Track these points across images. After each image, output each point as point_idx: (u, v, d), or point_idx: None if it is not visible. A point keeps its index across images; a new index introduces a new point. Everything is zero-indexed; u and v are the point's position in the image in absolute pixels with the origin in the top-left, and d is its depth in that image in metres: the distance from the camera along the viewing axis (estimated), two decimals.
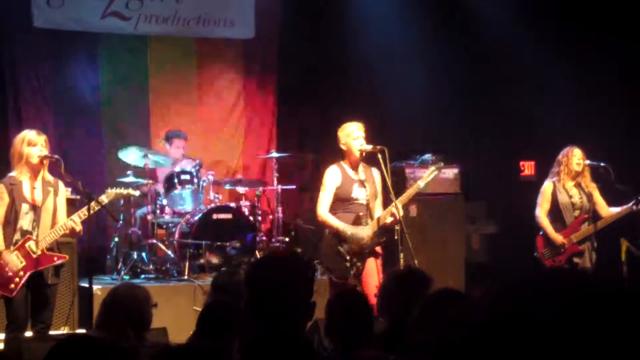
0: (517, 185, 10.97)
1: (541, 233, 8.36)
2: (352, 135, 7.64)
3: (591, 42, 10.41)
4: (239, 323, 4.51)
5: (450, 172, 10.23)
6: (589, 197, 8.28)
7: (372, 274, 7.46)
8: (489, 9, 10.94)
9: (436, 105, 11.18)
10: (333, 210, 7.56)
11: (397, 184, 8.68)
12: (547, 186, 8.37)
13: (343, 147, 7.69)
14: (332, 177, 7.60)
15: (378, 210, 7.62)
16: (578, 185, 8.31)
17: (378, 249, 7.59)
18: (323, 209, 7.56)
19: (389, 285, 4.74)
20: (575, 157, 8.27)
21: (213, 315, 4.73)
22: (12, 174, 6.74)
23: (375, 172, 7.72)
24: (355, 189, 7.59)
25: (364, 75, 11.49)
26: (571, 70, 10.40)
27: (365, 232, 7.47)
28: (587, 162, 8.38)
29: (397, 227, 7.68)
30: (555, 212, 8.29)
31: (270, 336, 3.17)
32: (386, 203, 7.74)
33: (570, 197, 8.26)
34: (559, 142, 8.64)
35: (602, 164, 8.33)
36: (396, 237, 7.72)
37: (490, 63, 11.16)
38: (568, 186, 8.30)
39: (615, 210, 8.27)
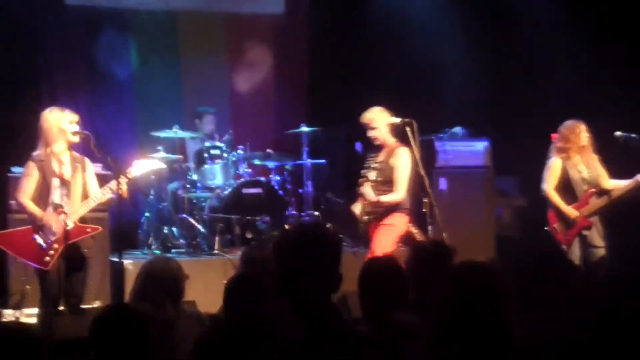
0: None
1: (552, 207, 8.29)
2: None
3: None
4: (263, 296, 4.55)
5: (480, 145, 10.19)
6: (595, 170, 8.23)
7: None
8: None
9: (466, 79, 11.11)
10: None
11: (426, 157, 8.65)
12: (555, 162, 8.27)
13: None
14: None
15: None
16: (587, 159, 8.25)
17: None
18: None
19: (413, 258, 4.76)
20: (583, 133, 8.22)
21: (238, 289, 4.77)
22: (38, 151, 6.84)
23: None
24: None
25: (394, 50, 11.44)
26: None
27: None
28: (619, 133, 8.32)
29: (425, 200, 7.71)
30: (566, 188, 8.23)
31: (298, 308, 3.21)
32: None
33: (580, 172, 8.21)
34: (588, 115, 8.56)
35: (633, 135, 8.27)
36: (424, 210, 7.74)
37: (523, 35, 11.08)
38: (576, 160, 8.23)
39: (619, 183, 8.20)
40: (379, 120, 7.71)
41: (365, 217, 7.73)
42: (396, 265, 4.38)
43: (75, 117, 6.90)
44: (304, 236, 3.41)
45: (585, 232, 8.13)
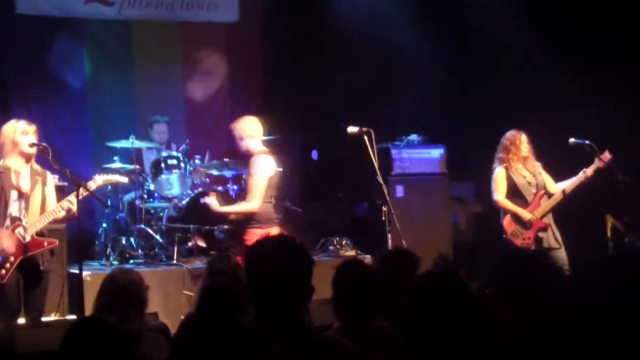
0: None
1: (505, 215, 8.47)
2: None
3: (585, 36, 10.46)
4: (238, 304, 4.57)
5: (436, 152, 10.29)
6: (539, 176, 8.46)
7: None
8: None
9: (423, 87, 11.19)
10: None
11: (382, 165, 8.71)
12: (499, 172, 8.52)
13: None
14: None
15: None
16: (528, 166, 8.48)
17: None
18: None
19: (379, 267, 4.80)
20: (524, 144, 8.47)
21: (213, 296, 4.78)
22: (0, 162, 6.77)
23: None
24: None
25: (349, 56, 11.49)
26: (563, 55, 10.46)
27: None
28: (572, 140, 8.52)
29: (384, 209, 7.76)
30: (514, 194, 8.44)
31: (269, 320, 3.23)
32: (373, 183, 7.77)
33: (524, 177, 8.44)
34: (548, 123, 8.71)
35: (587, 142, 8.43)
36: (383, 219, 7.79)
37: (479, 42, 11.20)
38: (519, 168, 8.46)
39: (564, 183, 8.43)
40: (248, 130, 7.66)
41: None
42: (369, 271, 4.40)
43: (31, 128, 6.81)
44: (276, 248, 3.43)
45: (541, 235, 8.29)
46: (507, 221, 8.46)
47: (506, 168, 8.45)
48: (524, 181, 8.43)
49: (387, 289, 4.38)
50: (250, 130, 7.65)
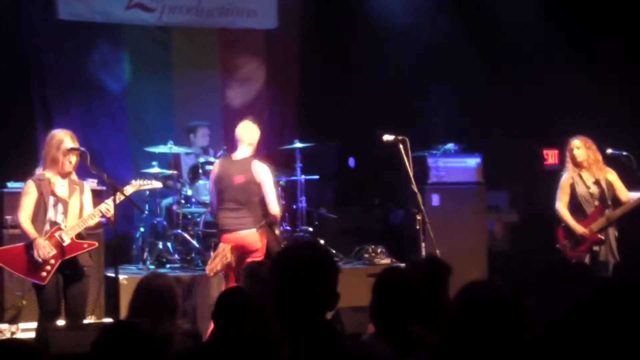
0: (541, 174, 10.97)
1: (562, 225, 8.41)
2: None
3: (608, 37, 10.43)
4: (251, 310, 4.62)
5: (472, 161, 10.28)
6: (608, 184, 8.30)
7: None
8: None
9: (459, 95, 11.19)
10: None
11: (418, 173, 8.71)
12: (564, 179, 8.42)
13: None
14: None
15: None
16: (595, 174, 8.33)
17: None
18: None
19: (413, 273, 4.82)
20: (574, 148, 8.35)
21: (224, 304, 4.82)
22: (40, 170, 6.92)
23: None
24: None
25: (387, 65, 11.51)
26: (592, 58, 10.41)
27: None
28: (610, 151, 8.44)
29: (419, 217, 7.77)
30: (576, 204, 8.34)
31: (293, 326, 3.26)
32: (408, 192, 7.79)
33: (588, 187, 8.30)
34: (584, 130, 8.66)
35: (624, 153, 8.36)
36: (418, 227, 7.80)
37: (513, 51, 11.18)
38: (585, 177, 8.34)
39: (635, 195, 8.28)
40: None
41: None
42: (409, 279, 4.42)
43: (73, 155, 6.94)
44: (301, 255, 3.46)
45: (595, 248, 8.20)
46: (561, 231, 8.41)
47: (571, 175, 8.36)
48: (586, 192, 8.28)
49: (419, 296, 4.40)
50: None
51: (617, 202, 8.30)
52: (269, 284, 3.50)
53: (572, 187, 8.34)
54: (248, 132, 8.00)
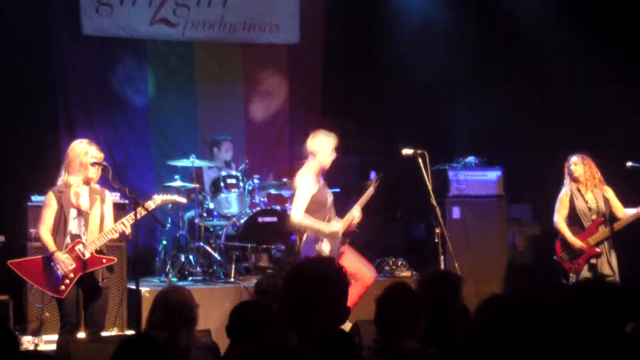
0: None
1: (559, 237, 8.57)
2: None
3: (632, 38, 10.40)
4: (263, 324, 4.66)
5: (493, 174, 10.29)
6: (605, 200, 8.50)
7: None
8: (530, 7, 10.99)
9: (479, 108, 11.20)
10: None
11: (439, 186, 8.74)
12: (563, 193, 8.63)
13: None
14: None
15: None
16: (593, 190, 8.51)
17: None
18: None
19: (421, 288, 4.86)
20: (572, 164, 8.54)
21: (238, 318, 4.86)
22: (60, 181, 6.99)
23: None
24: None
25: (407, 79, 11.55)
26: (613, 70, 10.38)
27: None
28: (630, 164, 8.53)
29: (437, 230, 7.80)
30: (574, 217, 8.51)
31: (310, 341, 3.32)
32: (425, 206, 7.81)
33: (586, 202, 8.48)
34: (606, 143, 8.69)
35: None
36: (436, 240, 7.82)
37: (534, 62, 11.18)
38: (583, 191, 8.53)
39: (632, 211, 8.44)
40: None
41: None
42: (408, 294, 4.45)
43: (99, 155, 7.03)
44: (310, 269, 3.52)
45: (593, 261, 8.31)
46: (559, 244, 8.57)
47: (569, 189, 8.52)
48: (584, 206, 8.47)
49: (428, 311, 4.43)
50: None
51: (613, 217, 8.51)
52: (283, 298, 3.57)
53: (571, 201, 8.52)
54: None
